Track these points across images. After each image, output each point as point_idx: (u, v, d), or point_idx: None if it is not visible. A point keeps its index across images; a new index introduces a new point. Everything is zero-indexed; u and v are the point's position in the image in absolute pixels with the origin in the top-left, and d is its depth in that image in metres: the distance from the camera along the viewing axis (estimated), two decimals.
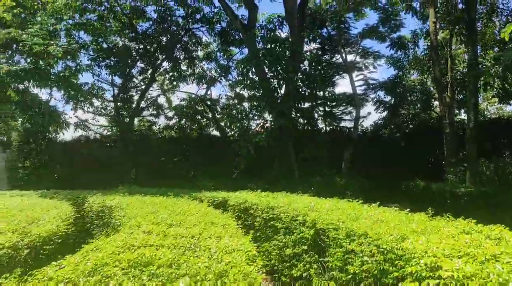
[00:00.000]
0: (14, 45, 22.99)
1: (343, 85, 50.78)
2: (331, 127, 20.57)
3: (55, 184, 21.54)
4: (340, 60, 22.59)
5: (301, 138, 15.80)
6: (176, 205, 6.78)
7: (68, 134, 37.53)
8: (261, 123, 15.63)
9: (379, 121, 23.49)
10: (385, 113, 23.49)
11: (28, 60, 23.48)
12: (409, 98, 23.49)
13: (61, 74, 23.27)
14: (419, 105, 23.58)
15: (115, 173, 24.06)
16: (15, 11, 21.29)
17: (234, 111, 16.84)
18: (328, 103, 18.50)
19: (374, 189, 15.18)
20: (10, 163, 21.91)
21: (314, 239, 5.40)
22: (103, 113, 25.68)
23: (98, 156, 24.55)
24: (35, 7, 22.40)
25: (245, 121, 15.55)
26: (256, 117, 16.61)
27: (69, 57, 22.62)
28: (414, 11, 22.48)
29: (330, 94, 17.21)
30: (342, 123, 22.30)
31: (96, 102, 26.52)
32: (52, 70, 23.35)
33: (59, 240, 4.93)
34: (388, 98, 23.54)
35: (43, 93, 25.29)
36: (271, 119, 14.76)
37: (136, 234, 3.97)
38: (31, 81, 23.04)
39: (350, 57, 23.41)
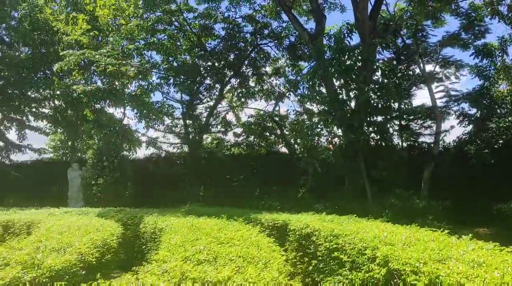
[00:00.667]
0: (92, 67, 23.96)
1: (420, 98, 47.58)
2: (408, 143, 18.81)
3: (126, 201, 21.80)
4: (417, 70, 20.90)
5: (373, 155, 14.43)
6: (224, 231, 5.96)
7: (140, 152, 38.55)
8: (330, 139, 14.54)
9: (463, 136, 21.19)
10: (470, 128, 21.19)
11: (104, 80, 24.48)
12: (497, 110, 21.04)
13: (134, 94, 23.87)
14: (510, 118, 21.02)
15: (184, 190, 24.03)
16: (91, 34, 22.26)
17: (301, 126, 15.81)
18: (405, 116, 16.86)
19: (460, 213, 13.37)
20: (85, 180, 22.59)
21: (387, 280, 4.28)
22: (173, 131, 25.93)
23: (168, 174, 24.73)
24: (110, 29, 23.26)
25: (312, 137, 14.51)
26: (324, 133, 15.54)
27: (140, 76, 23.10)
28: (501, 15, 20.23)
29: (406, 106, 15.56)
30: (421, 139, 20.45)
31: (167, 120, 26.95)
32: (125, 90, 24.10)
33: (82, 272, 4.30)
34: (473, 111, 21.25)
35: (117, 113, 25.86)
36: (340, 134, 13.63)
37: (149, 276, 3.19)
38: (107, 100, 23.90)
39: (428, 67, 21.58)
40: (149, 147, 26.75)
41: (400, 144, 18.21)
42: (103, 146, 23.08)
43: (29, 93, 27.21)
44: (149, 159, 26.89)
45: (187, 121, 24.87)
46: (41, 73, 26.42)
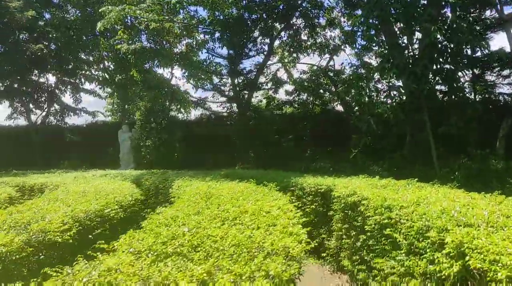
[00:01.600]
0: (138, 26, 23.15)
1: (497, 45, 42.62)
2: (482, 95, 16.30)
3: (174, 163, 21.31)
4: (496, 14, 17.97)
5: (440, 110, 12.44)
6: (240, 200, 4.74)
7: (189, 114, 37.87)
8: (388, 92, 12.55)
9: None
10: None
11: (150, 39, 23.64)
12: None
13: (181, 52, 22.92)
14: None
15: (233, 152, 23.17)
16: None
17: (356, 80, 13.89)
18: (479, 64, 14.38)
19: None
20: (134, 142, 22.30)
21: (462, 280, 2.87)
22: (221, 91, 24.86)
23: (217, 135, 23.90)
24: None
25: (367, 90, 12.66)
26: (383, 86, 13.60)
27: (185, 33, 21.98)
28: None
29: (481, 52, 13.10)
30: (498, 90, 17.77)
31: (215, 79, 25.88)
32: (173, 49, 23.20)
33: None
34: None
35: (165, 73, 25.08)
36: (400, 85, 11.67)
37: None
38: (154, 60, 23.15)
39: (508, 10, 18.56)
40: (198, 108, 26.01)
41: (473, 96, 15.80)
42: (151, 107, 22.53)
43: (81, 55, 27.13)
44: (199, 120, 26.15)
45: (236, 79, 23.63)
46: (90, 34, 26.05)
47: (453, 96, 12.16)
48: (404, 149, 13.21)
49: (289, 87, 24.96)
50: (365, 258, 5.61)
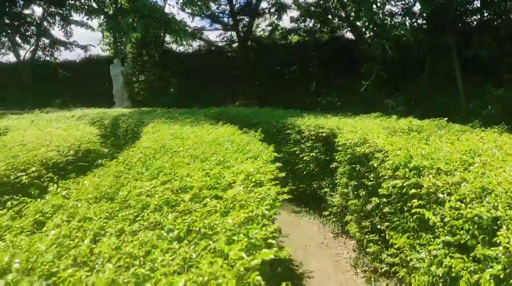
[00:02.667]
0: None
1: None
2: None
3: (169, 99, 19.79)
4: None
5: (468, 30, 10.49)
6: (215, 153, 3.29)
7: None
8: (404, 11, 10.47)
9: None
10: None
11: None
12: None
13: None
14: None
15: (234, 87, 21.48)
16: None
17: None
18: None
19: None
20: (126, 77, 20.62)
21: None
22: (219, 19, 22.67)
23: (216, 68, 22.07)
24: None
25: (380, 9, 10.61)
26: (397, 7, 11.48)
27: None
28: None
29: None
30: None
31: (213, 6, 23.59)
32: None
33: None
34: None
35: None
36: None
37: None
38: None
39: None
40: (195, 40, 23.91)
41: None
42: (142, 38, 20.54)
43: None
44: (196, 52, 24.15)
45: (235, 5, 21.37)
46: None
47: (484, 12, 10.14)
48: (423, 78, 11.43)
49: (294, 13, 22.57)
50: (378, 226, 4.21)
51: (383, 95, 11.75)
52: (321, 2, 21.74)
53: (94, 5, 23.83)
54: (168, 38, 23.18)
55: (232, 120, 8.59)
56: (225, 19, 22.21)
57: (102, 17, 24.15)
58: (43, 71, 25.97)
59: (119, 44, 25.78)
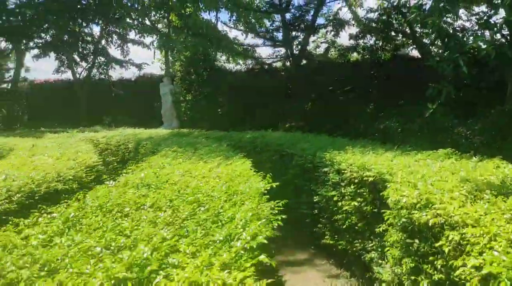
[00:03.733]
0: None
1: None
2: None
3: (218, 121, 18.77)
4: None
5: None
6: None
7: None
8: (483, 19, 8.52)
9: None
10: None
11: None
12: None
13: None
14: None
15: (285, 108, 20.04)
16: None
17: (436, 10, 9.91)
18: None
19: None
20: (175, 96, 19.91)
21: None
22: (272, 37, 21.45)
23: (267, 87, 20.81)
24: None
25: (450, 17, 8.80)
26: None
27: None
28: None
29: None
30: None
31: (266, 23, 22.57)
32: None
33: None
34: None
35: (209, 17, 22.24)
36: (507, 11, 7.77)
37: None
38: (196, 2, 20.42)
39: None
40: (247, 59, 22.86)
41: None
42: (191, 57, 19.78)
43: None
44: (247, 71, 23.05)
45: (289, 20, 20.05)
46: None
47: None
48: (505, 101, 9.37)
49: (353, 30, 20.94)
50: None
51: (454, 121, 9.81)
52: (383, 17, 19.98)
53: (147, 22, 23.57)
54: (218, 56, 22.41)
55: (261, 150, 7.17)
56: (279, 36, 20.94)
57: (154, 36, 23.86)
58: (97, 89, 26.16)
59: (171, 61, 25.43)
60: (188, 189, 3.20)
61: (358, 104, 15.86)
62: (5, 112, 26.90)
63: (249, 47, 21.65)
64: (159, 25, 24.32)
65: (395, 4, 20.38)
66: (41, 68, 78.76)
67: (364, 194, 4.41)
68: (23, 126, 24.22)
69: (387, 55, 20.40)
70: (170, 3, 20.33)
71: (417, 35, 18.98)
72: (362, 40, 20.06)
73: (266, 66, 22.88)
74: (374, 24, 20.06)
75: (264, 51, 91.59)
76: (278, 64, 21.95)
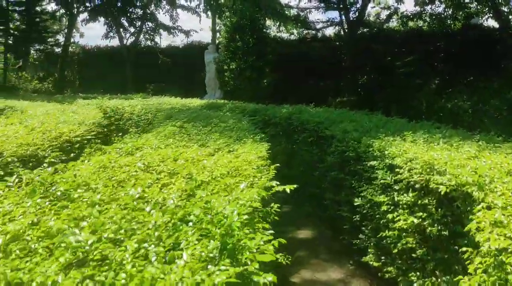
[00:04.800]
0: None
1: None
2: None
3: (262, 92, 17.37)
4: None
5: None
6: None
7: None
8: None
9: None
10: None
11: None
12: None
13: None
14: None
15: (338, 81, 18.28)
16: None
17: None
18: None
19: None
20: (217, 65, 18.63)
21: None
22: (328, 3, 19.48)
23: (319, 58, 19.07)
24: None
25: None
26: None
27: None
28: None
29: None
30: None
31: None
32: None
33: None
34: None
35: None
36: None
37: None
38: None
39: None
40: (298, 26, 21.03)
41: None
42: (237, 22, 18.27)
43: None
44: (297, 40, 21.27)
45: None
46: None
47: None
48: None
49: None
50: None
51: None
52: None
53: None
54: (268, 22, 20.79)
55: (295, 130, 5.78)
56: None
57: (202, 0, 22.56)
58: (144, 56, 25.40)
59: (218, 28, 24.11)
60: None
61: (420, 79, 13.84)
62: (56, 77, 26.92)
63: (302, 12, 19.78)
64: None
65: None
66: (90, 34, 79.96)
67: (430, 206, 2.93)
68: (73, 92, 24.01)
69: (457, 25, 18.03)
70: None
71: (496, 1, 16.49)
72: (429, 6, 17.76)
73: (319, 34, 21.04)
74: None
75: (316, 16, 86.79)
76: (331, 32, 20.07)
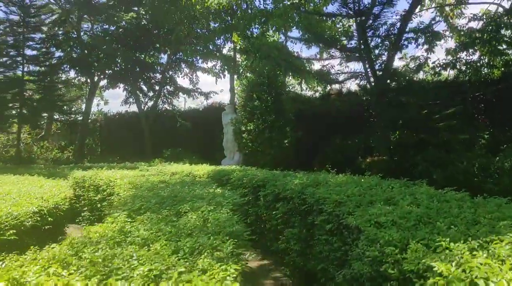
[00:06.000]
0: None
1: None
2: None
3: (285, 155, 15.84)
4: None
5: None
6: None
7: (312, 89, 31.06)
8: None
9: None
10: None
11: None
12: None
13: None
14: None
15: (367, 139, 16.54)
16: None
17: None
18: None
19: None
20: (235, 126, 17.34)
21: None
22: (350, 57, 18.22)
23: (344, 115, 17.55)
24: None
25: None
26: None
27: None
28: None
29: None
30: None
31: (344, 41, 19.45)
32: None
33: None
34: None
35: (277, 37, 19.75)
36: None
37: None
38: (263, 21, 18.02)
39: None
40: (320, 82, 19.75)
41: None
42: (254, 81, 17.15)
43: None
44: (323, 96, 19.97)
45: (370, 37, 16.73)
46: None
47: None
48: None
49: (451, 44, 17.08)
50: None
51: None
52: (490, 27, 16.04)
53: (211, 47, 21.58)
54: (287, 79, 19.67)
55: (309, 210, 4.16)
56: (356, 54, 17.62)
57: (218, 61, 21.83)
58: (163, 120, 24.65)
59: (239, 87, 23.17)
60: None
61: (461, 134, 11.93)
62: (77, 146, 26.36)
63: (324, 68, 18.54)
64: (224, 50, 22.30)
65: (505, 10, 16.53)
66: (113, 101, 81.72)
67: None
68: (93, 160, 23.16)
69: (496, 73, 16.35)
70: (234, 23, 18.13)
71: None
72: (463, 54, 16.20)
73: (344, 89, 19.68)
74: (477, 35, 16.22)
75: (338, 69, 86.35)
76: (354, 86, 18.61)
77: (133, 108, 26.34)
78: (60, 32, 23.71)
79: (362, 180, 5.59)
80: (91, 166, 14.91)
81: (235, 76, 21.30)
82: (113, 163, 17.40)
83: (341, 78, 16.82)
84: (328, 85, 19.67)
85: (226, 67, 20.55)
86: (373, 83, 15.67)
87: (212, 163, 15.87)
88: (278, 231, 6.01)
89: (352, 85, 19.36)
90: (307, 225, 5.05)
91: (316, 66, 20.15)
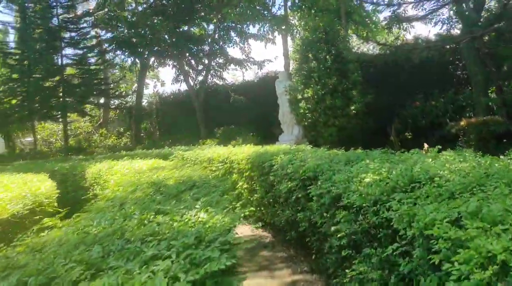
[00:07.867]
0: None
1: None
2: None
3: (350, 122, 13.00)
4: None
5: None
6: None
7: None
8: None
9: None
10: None
11: None
12: None
13: None
14: None
15: (457, 102, 13.14)
16: None
17: None
18: None
19: None
20: (290, 94, 14.61)
21: None
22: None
23: (425, 71, 14.14)
24: None
25: None
26: None
27: None
28: None
29: None
30: None
31: None
32: None
33: None
34: None
35: None
36: None
37: None
38: None
39: None
40: (390, 32, 16.33)
41: None
42: (309, 37, 14.24)
43: None
44: (396, 48, 16.46)
45: None
46: None
47: None
48: None
49: None
50: None
51: None
52: None
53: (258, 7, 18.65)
54: (350, 32, 16.48)
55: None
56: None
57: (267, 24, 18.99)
58: (214, 97, 22.46)
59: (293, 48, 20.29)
60: None
61: None
62: (133, 132, 25.17)
63: (396, 15, 15.06)
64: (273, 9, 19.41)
65: None
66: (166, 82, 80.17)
67: None
68: (150, 144, 21.60)
69: None
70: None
71: None
72: None
73: (422, 41, 16.10)
74: None
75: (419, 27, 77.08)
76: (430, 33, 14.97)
77: (184, 86, 24.41)
78: (105, 11, 22.08)
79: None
80: (120, 155, 13.01)
81: (289, 38, 18.43)
82: (164, 147, 15.35)
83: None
84: (403, 32, 16.12)
85: (276, 28, 17.68)
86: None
87: (269, 140, 13.48)
88: (344, 258, 3.40)
89: (432, 32, 15.68)
90: (394, 265, 2.40)
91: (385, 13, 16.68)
